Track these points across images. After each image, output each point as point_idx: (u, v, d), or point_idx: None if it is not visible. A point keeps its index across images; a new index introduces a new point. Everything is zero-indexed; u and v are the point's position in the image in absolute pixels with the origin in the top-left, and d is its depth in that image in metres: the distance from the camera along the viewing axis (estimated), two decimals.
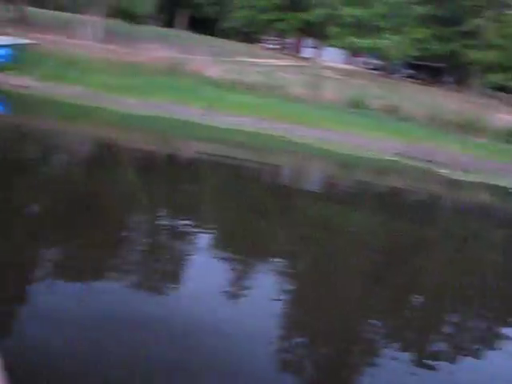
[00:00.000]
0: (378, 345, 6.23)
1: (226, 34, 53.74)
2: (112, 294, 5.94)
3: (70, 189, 10.29)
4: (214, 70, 26.62)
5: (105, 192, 10.35)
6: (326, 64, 36.32)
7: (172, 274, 7.06)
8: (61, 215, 8.59)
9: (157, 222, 9.19)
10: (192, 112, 22.02)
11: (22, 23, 33.76)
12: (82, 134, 17.97)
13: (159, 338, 5.17)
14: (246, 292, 6.86)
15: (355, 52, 40.72)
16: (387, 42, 32.85)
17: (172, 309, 5.89)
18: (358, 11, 33.11)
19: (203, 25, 52.93)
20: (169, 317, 5.63)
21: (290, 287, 7.42)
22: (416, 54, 35.10)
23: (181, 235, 8.63)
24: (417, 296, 8.06)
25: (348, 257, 9.24)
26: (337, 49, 38.04)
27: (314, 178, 16.95)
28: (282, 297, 6.94)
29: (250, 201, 11.94)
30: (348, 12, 33.34)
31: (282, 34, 45.07)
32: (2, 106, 20.75)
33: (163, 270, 7.21)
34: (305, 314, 6.69)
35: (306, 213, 11.81)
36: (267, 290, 6.97)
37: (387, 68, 40.32)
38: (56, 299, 5.60)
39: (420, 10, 34.03)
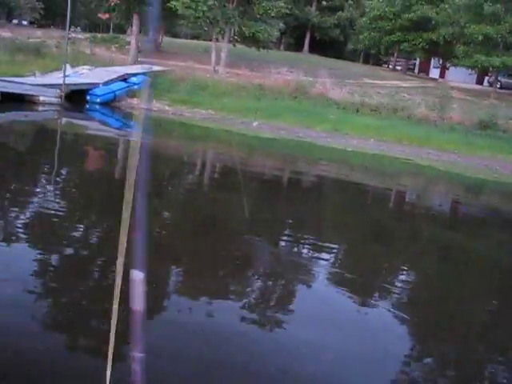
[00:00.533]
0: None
1: (349, 56, 53.83)
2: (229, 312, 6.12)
3: (202, 206, 10.78)
4: (338, 92, 26.76)
5: (231, 208, 10.70)
6: (453, 84, 35.30)
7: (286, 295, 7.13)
8: (194, 227, 9.04)
9: (276, 241, 9.37)
10: (316, 134, 22.27)
11: (157, 51, 35.89)
12: (208, 154, 18.76)
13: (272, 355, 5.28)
14: (359, 318, 6.76)
15: (484, 71, 39.20)
16: None
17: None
18: (486, 28, 31.90)
19: (326, 47, 53.31)
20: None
21: (407, 315, 7.26)
22: None
23: (299, 254, 8.77)
24: None
25: (473, 281, 8.88)
26: (464, 68, 36.82)
27: (440, 201, 16.45)
28: (399, 328, 6.79)
29: (376, 223, 11.84)
30: (476, 30, 32.20)
31: (406, 54, 44.37)
32: (135, 128, 22.08)
33: (277, 289, 7.31)
34: (428, 341, 6.53)
35: (433, 237, 11.51)
36: (383, 317, 6.84)
37: None
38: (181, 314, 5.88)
39: None
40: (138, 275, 1.35)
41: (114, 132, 20.02)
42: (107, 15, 44.81)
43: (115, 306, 1.32)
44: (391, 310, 6.91)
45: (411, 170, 19.82)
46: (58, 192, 10.39)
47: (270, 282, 7.36)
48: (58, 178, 11.51)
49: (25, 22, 56.06)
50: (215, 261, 7.69)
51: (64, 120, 20.63)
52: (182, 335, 5.36)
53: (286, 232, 10.05)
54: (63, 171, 12.40)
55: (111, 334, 1.29)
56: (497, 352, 6.44)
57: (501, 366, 6.02)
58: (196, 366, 4.83)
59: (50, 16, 55.30)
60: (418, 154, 21.40)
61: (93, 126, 20.04)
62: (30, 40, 31.17)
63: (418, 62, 49.76)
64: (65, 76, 21.43)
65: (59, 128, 19.03)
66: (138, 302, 1.31)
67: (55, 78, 22.65)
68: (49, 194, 10.06)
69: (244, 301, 6.34)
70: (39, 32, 37.39)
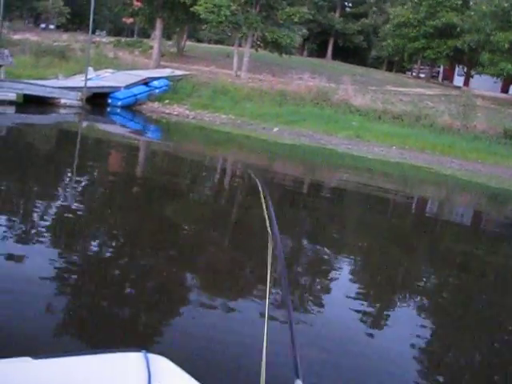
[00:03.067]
0: None
1: (373, 63, 53.47)
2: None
3: (220, 212, 10.68)
4: (360, 99, 26.51)
5: (247, 214, 10.56)
6: (477, 92, 34.83)
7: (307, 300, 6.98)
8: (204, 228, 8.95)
9: (297, 249, 9.23)
10: (338, 141, 22.06)
11: (179, 56, 36.03)
12: (229, 160, 18.66)
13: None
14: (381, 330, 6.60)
15: (509, 79, 38.65)
16: None
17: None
18: None
19: (350, 54, 53.03)
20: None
21: (428, 325, 7.07)
22: None
23: (318, 264, 8.62)
24: None
25: (494, 294, 8.63)
26: (489, 76, 36.31)
27: (462, 212, 16.13)
28: (419, 335, 6.62)
29: (395, 234, 11.62)
30: (502, 37, 31.73)
31: (430, 62, 43.94)
32: (156, 132, 22.11)
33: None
34: (445, 351, 6.32)
35: (453, 249, 11.25)
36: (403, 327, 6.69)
37: None
38: None
39: None
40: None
41: (135, 136, 20.04)
42: (131, 19, 45.18)
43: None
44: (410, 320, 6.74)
45: (434, 179, 19.51)
46: (81, 194, 10.52)
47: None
48: (81, 183, 11.55)
49: (52, 26, 56.58)
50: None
51: (84, 123, 20.69)
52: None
53: (307, 238, 9.91)
54: (86, 176, 12.37)
55: None
56: None
57: None
58: None
59: (77, 20, 55.75)
60: (440, 162, 21.08)
61: (112, 130, 20.09)
62: (55, 43, 31.47)
63: (441, 69, 49.26)
64: (86, 79, 21.51)
65: (78, 130, 19.07)
66: None
67: (78, 80, 22.78)
68: (72, 195, 10.10)
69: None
70: (65, 36, 37.77)
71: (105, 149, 16.63)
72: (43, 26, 56.16)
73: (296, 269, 8.34)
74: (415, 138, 23.08)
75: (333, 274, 8.27)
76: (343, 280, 8.01)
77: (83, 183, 11.54)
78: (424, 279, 8.88)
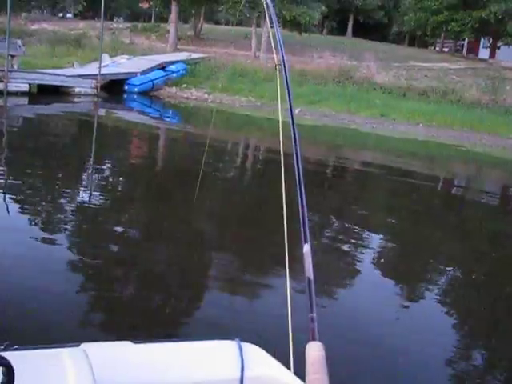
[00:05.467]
0: None
1: (394, 39, 52.24)
2: None
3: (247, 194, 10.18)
4: (383, 76, 25.68)
5: (266, 198, 10.02)
6: (505, 64, 33.61)
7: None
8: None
9: (327, 233, 8.74)
10: (362, 120, 21.33)
11: (197, 39, 35.43)
12: (251, 144, 18.08)
13: None
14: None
15: None
16: None
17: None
18: None
19: (370, 30, 51.78)
20: None
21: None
22: None
23: (347, 241, 8.18)
24: None
25: None
26: None
27: (498, 193, 15.28)
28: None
29: (430, 215, 10.99)
30: None
31: (454, 35, 42.59)
32: (175, 117, 21.59)
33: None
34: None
35: (488, 228, 10.59)
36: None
37: None
38: None
39: None
40: (306, 248, 1.59)
41: (154, 123, 19.54)
42: (147, 4, 44.65)
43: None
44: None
45: (465, 158, 18.67)
46: (106, 182, 10.40)
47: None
48: (105, 171, 11.29)
49: (69, 15, 56.32)
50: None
51: (100, 111, 20.12)
52: None
53: (322, 224, 9.40)
54: (110, 164, 11.95)
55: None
56: None
57: None
58: None
59: (94, 8, 55.27)
60: (470, 139, 20.24)
61: (130, 117, 19.58)
62: (72, 32, 31.06)
63: (465, 42, 47.83)
64: (101, 66, 21.01)
65: (94, 119, 18.54)
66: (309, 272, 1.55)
67: (93, 68, 22.28)
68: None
69: None
70: (82, 24, 37.37)
71: (124, 137, 16.15)
72: (61, 15, 55.91)
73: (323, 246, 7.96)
74: (442, 115, 22.24)
75: (361, 251, 7.95)
76: (372, 256, 7.75)
77: (107, 171, 11.33)
78: (457, 257, 8.46)
